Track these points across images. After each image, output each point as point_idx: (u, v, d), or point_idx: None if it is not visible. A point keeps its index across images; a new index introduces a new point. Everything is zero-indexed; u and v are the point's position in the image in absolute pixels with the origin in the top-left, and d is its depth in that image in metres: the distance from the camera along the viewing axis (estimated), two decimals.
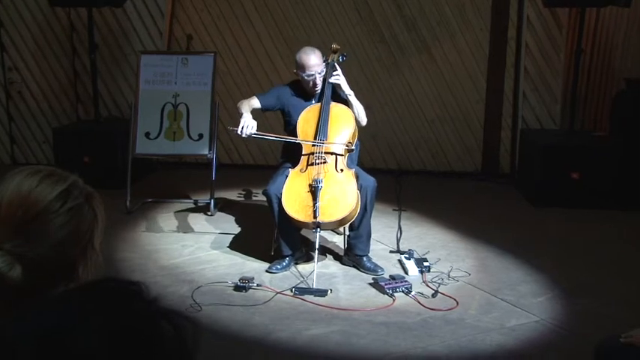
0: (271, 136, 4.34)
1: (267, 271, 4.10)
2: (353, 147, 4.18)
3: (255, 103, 4.28)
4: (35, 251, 1.10)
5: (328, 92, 4.23)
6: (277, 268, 4.11)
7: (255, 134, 4.11)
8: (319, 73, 4.20)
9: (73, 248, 1.15)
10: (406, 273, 4.09)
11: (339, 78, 4.23)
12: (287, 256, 4.13)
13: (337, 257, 4.36)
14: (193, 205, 5.43)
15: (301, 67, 4.21)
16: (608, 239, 4.78)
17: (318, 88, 4.26)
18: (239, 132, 4.06)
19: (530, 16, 6.06)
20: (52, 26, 6.52)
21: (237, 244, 4.57)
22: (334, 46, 4.47)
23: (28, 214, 1.10)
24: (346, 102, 4.27)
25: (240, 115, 4.12)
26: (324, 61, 4.26)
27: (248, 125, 4.05)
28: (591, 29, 5.99)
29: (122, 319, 0.79)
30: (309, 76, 4.20)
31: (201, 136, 5.32)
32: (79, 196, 1.16)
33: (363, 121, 4.29)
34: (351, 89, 4.31)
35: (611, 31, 6.00)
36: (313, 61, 4.18)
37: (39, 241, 1.10)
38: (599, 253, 4.50)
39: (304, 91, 4.31)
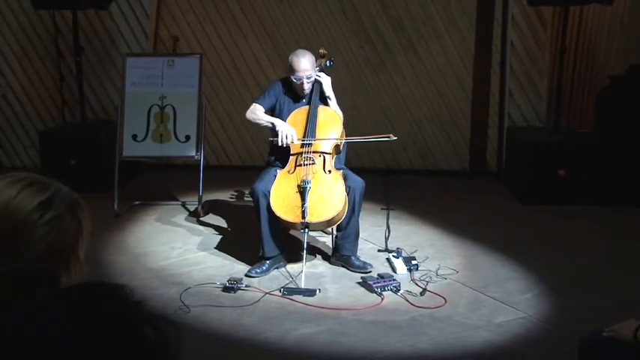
0: (314, 140, 4.15)
1: (246, 275, 4.04)
2: (340, 143, 4.20)
3: (260, 109, 4.28)
4: (14, 265, 1.09)
5: (316, 95, 4.25)
6: (257, 272, 4.07)
7: (298, 140, 4.12)
8: (307, 78, 4.21)
9: (54, 258, 1.13)
10: (394, 271, 4.10)
11: (323, 81, 4.26)
12: (268, 260, 4.10)
13: (325, 257, 4.37)
14: (181, 207, 5.42)
15: (291, 70, 4.22)
16: (595, 235, 4.82)
17: (306, 91, 4.27)
18: (281, 143, 4.09)
19: (515, 14, 6.10)
20: (36, 29, 6.48)
21: (226, 246, 4.57)
22: (322, 51, 4.48)
23: (6, 226, 1.09)
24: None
25: (273, 126, 4.14)
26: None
27: (288, 134, 4.09)
28: (575, 27, 6.03)
29: (105, 324, 0.79)
30: (297, 79, 4.21)
31: (188, 137, 5.32)
32: (61, 206, 1.14)
33: None
34: (338, 89, 4.33)
35: (595, 29, 6.04)
36: (303, 65, 4.18)
37: (18, 253, 1.09)
38: (586, 249, 4.53)
39: (294, 91, 4.32)
